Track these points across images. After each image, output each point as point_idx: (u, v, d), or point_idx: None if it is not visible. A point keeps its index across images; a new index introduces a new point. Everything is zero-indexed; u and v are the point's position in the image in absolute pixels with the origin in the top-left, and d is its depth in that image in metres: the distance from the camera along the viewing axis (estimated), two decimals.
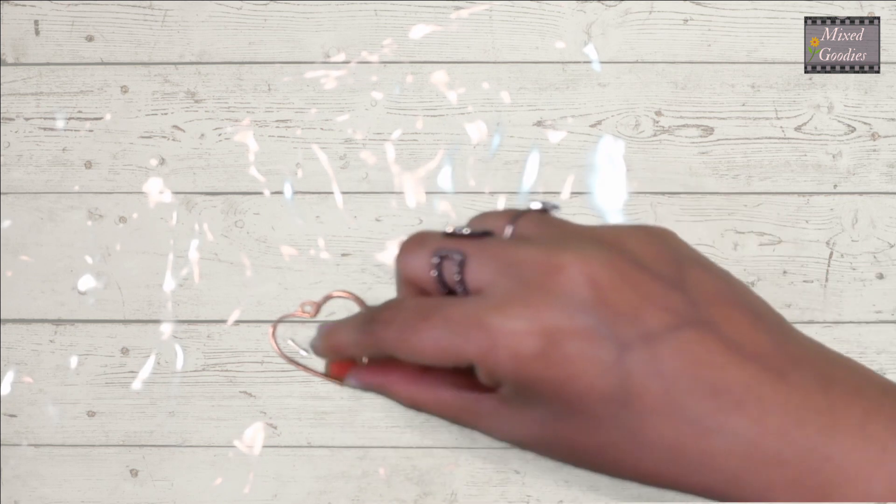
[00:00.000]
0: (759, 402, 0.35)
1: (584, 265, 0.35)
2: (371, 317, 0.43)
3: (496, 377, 0.38)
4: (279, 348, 0.77)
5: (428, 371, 0.43)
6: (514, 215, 0.43)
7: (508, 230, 0.41)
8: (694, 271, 0.39)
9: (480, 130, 0.74)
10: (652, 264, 0.38)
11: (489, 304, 0.37)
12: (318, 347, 0.45)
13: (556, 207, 0.43)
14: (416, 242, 0.44)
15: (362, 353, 0.43)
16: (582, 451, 0.36)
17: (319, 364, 0.76)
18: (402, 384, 0.43)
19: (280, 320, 0.77)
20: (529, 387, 0.36)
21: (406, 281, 0.44)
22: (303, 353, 0.73)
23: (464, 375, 0.39)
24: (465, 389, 0.41)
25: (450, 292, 0.40)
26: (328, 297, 0.81)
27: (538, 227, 0.41)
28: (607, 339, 0.35)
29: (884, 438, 0.35)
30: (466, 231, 0.41)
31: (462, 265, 0.39)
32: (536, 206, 0.43)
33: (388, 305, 0.43)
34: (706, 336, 0.36)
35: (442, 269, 0.40)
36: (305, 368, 0.74)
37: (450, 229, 0.41)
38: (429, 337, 0.39)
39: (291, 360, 0.75)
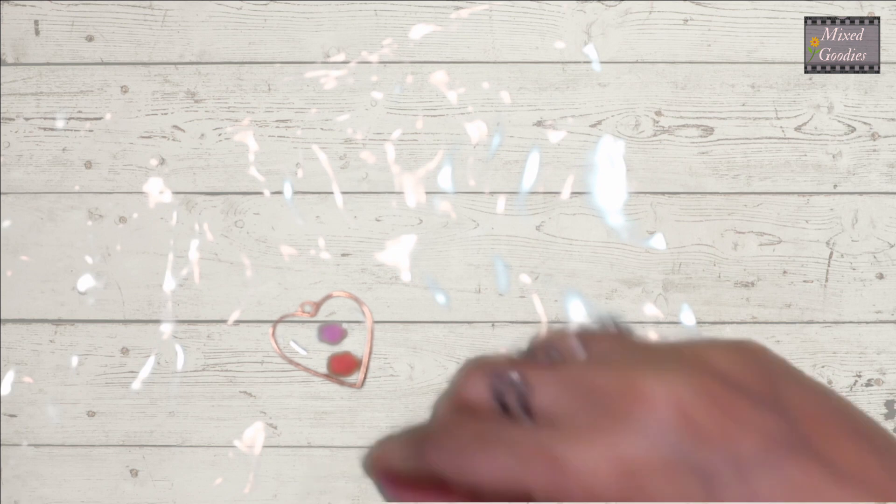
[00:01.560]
0: None
1: (669, 389, 0.32)
2: (424, 436, 0.39)
3: None
4: (279, 348, 0.78)
5: (475, 496, 0.39)
6: (584, 335, 0.39)
7: (580, 351, 0.37)
8: (789, 388, 0.36)
9: (480, 130, 0.74)
10: (743, 383, 0.35)
11: (560, 434, 0.34)
12: (367, 465, 0.41)
13: (627, 326, 0.40)
14: (479, 366, 0.40)
15: (408, 471, 0.40)
16: None
17: (319, 364, 0.76)
18: None
19: (280, 320, 0.78)
20: None
21: (462, 405, 0.40)
22: (302, 352, 0.73)
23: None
24: None
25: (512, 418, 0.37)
26: (328, 297, 0.81)
27: (612, 346, 0.38)
28: (695, 471, 0.32)
29: None
30: (537, 355, 0.38)
31: (527, 393, 0.36)
32: (608, 323, 0.40)
33: (443, 425, 0.39)
34: (806, 460, 0.33)
35: (504, 397, 0.37)
36: (305, 368, 0.74)
37: (517, 353, 0.38)
38: (489, 464, 0.36)
39: (291, 360, 0.76)
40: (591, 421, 0.33)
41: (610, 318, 0.41)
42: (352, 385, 0.68)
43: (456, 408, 0.40)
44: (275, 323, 0.72)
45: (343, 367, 0.70)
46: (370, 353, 0.70)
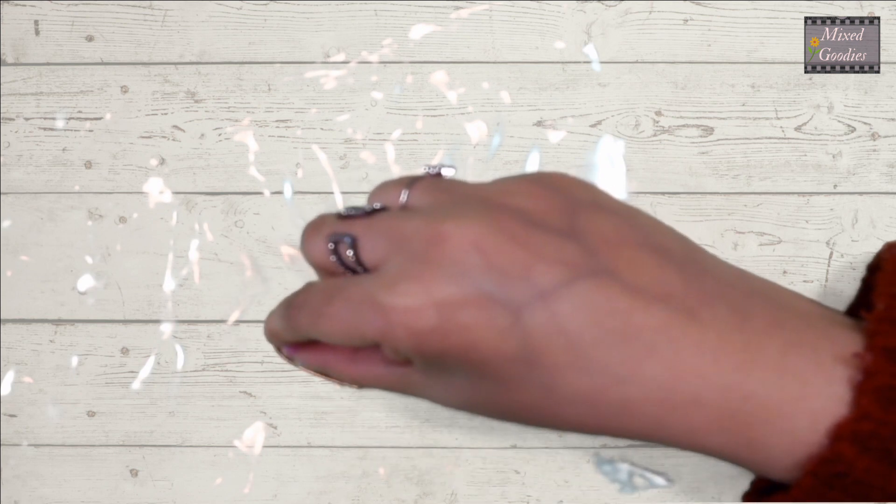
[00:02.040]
0: (670, 344, 0.33)
1: (468, 231, 0.34)
2: (289, 302, 0.44)
3: (400, 354, 0.38)
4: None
5: (359, 349, 0.43)
6: (408, 183, 0.43)
7: (403, 198, 0.41)
8: (591, 216, 0.37)
9: (480, 130, 0.74)
10: (542, 217, 0.37)
11: (381, 283, 0.36)
12: (265, 335, 0.46)
13: (451, 168, 0.43)
14: (313, 229, 0.45)
15: (291, 337, 0.44)
16: (507, 410, 0.36)
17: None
18: (339, 364, 0.44)
19: None
20: (435, 359, 0.35)
21: (314, 266, 0.44)
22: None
23: None
24: (394, 364, 0.41)
25: (354, 272, 0.40)
26: None
27: (430, 194, 0.41)
28: (500, 304, 0.34)
29: (805, 372, 0.34)
30: (359, 210, 0.41)
31: (355, 246, 0.39)
32: (430, 171, 0.43)
33: (303, 289, 0.44)
34: (606, 284, 0.34)
35: (339, 251, 0.40)
36: (305, 368, 0.74)
37: (344, 210, 0.41)
38: (334, 319, 0.38)
39: (291, 360, 0.76)
40: (406, 266, 0.36)
41: (436, 165, 0.45)
42: (352, 385, 0.68)
43: (315, 270, 0.44)
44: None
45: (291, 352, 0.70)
46: None
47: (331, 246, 0.40)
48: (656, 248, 0.37)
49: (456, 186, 0.42)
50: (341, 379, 0.43)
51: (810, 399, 0.34)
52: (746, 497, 0.39)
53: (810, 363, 0.34)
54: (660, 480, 0.72)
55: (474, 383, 0.36)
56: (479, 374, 0.35)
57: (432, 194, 0.41)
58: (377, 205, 0.42)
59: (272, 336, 0.46)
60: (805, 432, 0.32)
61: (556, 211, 0.38)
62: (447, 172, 0.43)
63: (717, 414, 0.33)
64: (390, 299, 0.35)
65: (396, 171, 0.75)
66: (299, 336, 0.43)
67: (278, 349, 0.45)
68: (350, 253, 0.39)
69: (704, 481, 0.73)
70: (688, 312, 0.35)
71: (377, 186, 0.45)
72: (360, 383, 0.44)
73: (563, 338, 0.34)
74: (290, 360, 0.46)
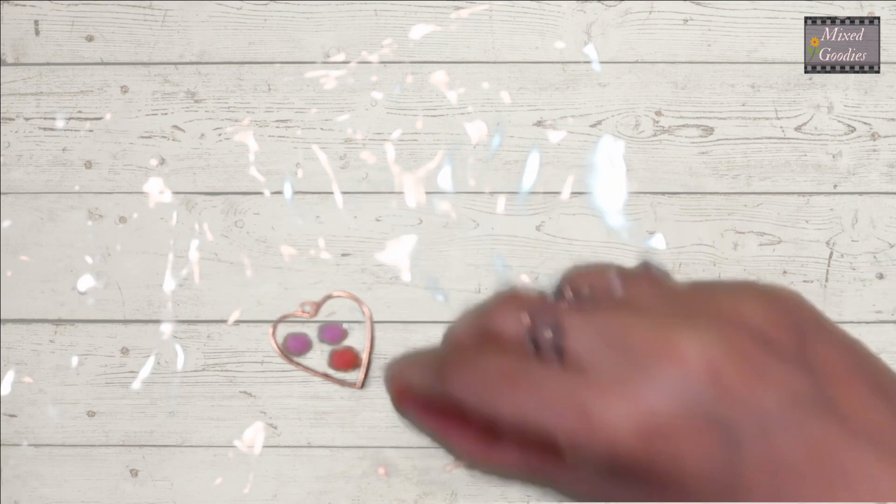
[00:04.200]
0: (869, 483, 0.32)
1: (705, 350, 0.31)
2: (447, 361, 0.38)
3: (584, 460, 0.34)
4: (279, 348, 0.77)
5: (494, 430, 0.37)
6: (618, 271, 0.38)
7: (618, 289, 0.36)
8: (818, 343, 0.35)
9: (480, 130, 0.74)
10: (773, 338, 0.34)
11: (589, 382, 0.33)
12: (387, 383, 0.39)
13: (663, 268, 0.38)
14: (512, 303, 0.39)
15: (432, 397, 0.38)
16: None
17: (319, 364, 0.76)
18: (463, 440, 0.38)
19: (280, 320, 0.77)
20: (620, 472, 0.32)
21: (490, 335, 0.39)
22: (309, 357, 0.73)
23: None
24: (533, 452, 0.36)
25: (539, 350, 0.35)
26: (328, 298, 0.81)
27: (650, 290, 0.36)
28: (722, 433, 0.31)
29: None
30: (565, 293, 0.36)
31: (559, 334, 0.36)
32: (644, 264, 0.38)
33: (468, 354, 0.37)
34: (828, 419, 0.32)
35: (536, 333, 0.35)
36: (305, 368, 0.74)
37: (550, 289, 0.37)
38: (513, 401, 0.34)
39: (291, 360, 0.75)
40: (621, 373, 0.32)
41: (647, 261, 0.40)
42: (352, 385, 0.68)
43: (482, 337, 0.38)
44: (275, 323, 0.72)
45: (344, 363, 0.70)
46: (371, 353, 0.70)
47: (527, 322, 0.36)
48: (874, 382, 0.35)
49: (678, 288, 0.38)
50: (455, 455, 0.38)
51: None
52: None
53: None
54: None
55: (647, 495, 0.33)
56: (663, 491, 0.33)
57: (652, 292, 0.37)
58: (587, 290, 0.37)
59: (399, 383, 0.40)
60: None
61: (786, 333, 0.36)
62: (657, 265, 0.39)
63: None
64: (601, 406, 0.32)
65: (396, 171, 0.76)
66: (442, 398, 0.38)
67: (400, 399, 0.39)
68: (549, 336, 0.35)
69: None
70: (891, 451, 0.33)
71: (580, 271, 0.39)
72: (475, 466, 0.39)
73: (772, 474, 0.32)
74: (401, 413, 0.40)
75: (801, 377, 0.33)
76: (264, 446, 0.74)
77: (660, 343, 0.32)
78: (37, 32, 0.76)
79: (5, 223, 0.76)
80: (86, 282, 0.75)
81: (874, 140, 0.78)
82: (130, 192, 0.76)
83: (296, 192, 0.74)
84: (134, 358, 0.75)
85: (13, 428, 0.74)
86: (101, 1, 0.76)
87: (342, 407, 0.72)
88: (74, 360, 0.75)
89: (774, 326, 0.34)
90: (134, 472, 0.74)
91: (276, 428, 0.73)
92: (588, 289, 0.37)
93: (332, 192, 0.74)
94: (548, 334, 0.34)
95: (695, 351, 0.31)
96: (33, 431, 0.75)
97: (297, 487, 0.72)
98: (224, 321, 0.74)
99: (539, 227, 0.71)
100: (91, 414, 0.75)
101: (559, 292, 0.38)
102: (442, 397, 0.37)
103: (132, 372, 0.75)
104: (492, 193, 0.73)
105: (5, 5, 0.76)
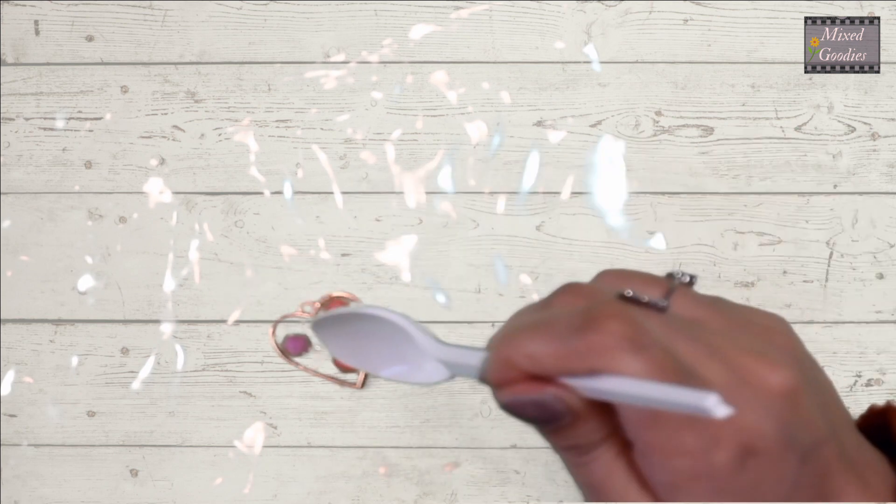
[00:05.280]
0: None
1: (787, 381, 0.34)
2: (582, 323, 0.36)
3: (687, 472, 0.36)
4: (279, 348, 0.77)
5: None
6: (662, 283, 0.39)
7: (664, 305, 0.37)
8: (819, 374, 0.40)
9: (480, 130, 0.74)
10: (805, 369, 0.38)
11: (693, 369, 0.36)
12: (505, 364, 0.34)
13: (694, 278, 0.39)
14: (617, 277, 0.42)
15: (554, 374, 0.36)
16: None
17: (320, 364, 0.76)
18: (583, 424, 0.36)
19: (280, 320, 0.78)
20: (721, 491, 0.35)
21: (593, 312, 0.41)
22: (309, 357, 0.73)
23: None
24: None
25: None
26: (328, 297, 0.81)
27: (697, 310, 0.38)
28: (801, 455, 0.34)
29: None
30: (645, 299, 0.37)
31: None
32: (681, 276, 0.40)
33: (598, 319, 0.36)
34: (835, 450, 0.37)
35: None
36: (305, 368, 0.74)
37: (628, 293, 0.36)
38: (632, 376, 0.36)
39: (291, 360, 0.75)
40: (721, 374, 0.34)
41: (687, 273, 0.41)
42: (352, 385, 0.68)
43: (585, 314, 0.39)
44: (275, 323, 0.72)
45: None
46: None
47: (630, 293, 0.39)
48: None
49: (725, 306, 0.40)
50: (576, 474, 0.38)
51: None
52: None
53: None
54: None
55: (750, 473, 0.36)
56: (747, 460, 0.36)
57: (699, 310, 0.38)
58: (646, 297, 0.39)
59: (527, 360, 0.35)
60: None
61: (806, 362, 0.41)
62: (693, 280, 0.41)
63: None
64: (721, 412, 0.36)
65: (396, 171, 0.75)
66: (567, 379, 0.36)
67: (501, 384, 0.36)
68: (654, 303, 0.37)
69: None
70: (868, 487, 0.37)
71: (623, 272, 0.39)
72: (593, 485, 0.39)
73: (849, 463, 0.36)
74: (342, 371, 0.41)
75: (821, 412, 0.37)
76: (264, 446, 0.74)
77: (748, 365, 0.34)
78: (37, 32, 0.76)
79: (5, 223, 0.76)
80: (86, 282, 0.75)
81: (874, 140, 0.78)
82: (130, 192, 0.76)
83: (296, 192, 0.74)
84: (134, 358, 0.75)
85: (13, 428, 0.74)
86: (101, 1, 0.76)
87: (342, 407, 0.72)
88: (74, 360, 0.75)
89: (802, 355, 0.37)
90: (134, 472, 0.74)
91: (276, 428, 0.73)
92: (636, 292, 0.38)
93: (332, 192, 0.74)
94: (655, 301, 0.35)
95: (779, 382, 0.33)
96: (33, 431, 0.75)
97: (297, 487, 0.72)
98: (224, 321, 0.74)
99: (539, 227, 0.71)
100: (91, 414, 0.75)
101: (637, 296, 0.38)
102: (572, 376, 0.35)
103: (132, 372, 0.75)
104: (492, 193, 0.73)
105: (5, 5, 0.76)
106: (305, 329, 0.74)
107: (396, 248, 0.73)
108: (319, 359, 0.73)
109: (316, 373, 0.72)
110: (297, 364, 0.72)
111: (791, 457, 0.34)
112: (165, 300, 0.75)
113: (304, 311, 0.73)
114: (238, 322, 0.74)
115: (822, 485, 0.35)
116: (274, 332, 0.73)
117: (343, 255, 0.73)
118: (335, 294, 0.73)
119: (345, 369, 0.71)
